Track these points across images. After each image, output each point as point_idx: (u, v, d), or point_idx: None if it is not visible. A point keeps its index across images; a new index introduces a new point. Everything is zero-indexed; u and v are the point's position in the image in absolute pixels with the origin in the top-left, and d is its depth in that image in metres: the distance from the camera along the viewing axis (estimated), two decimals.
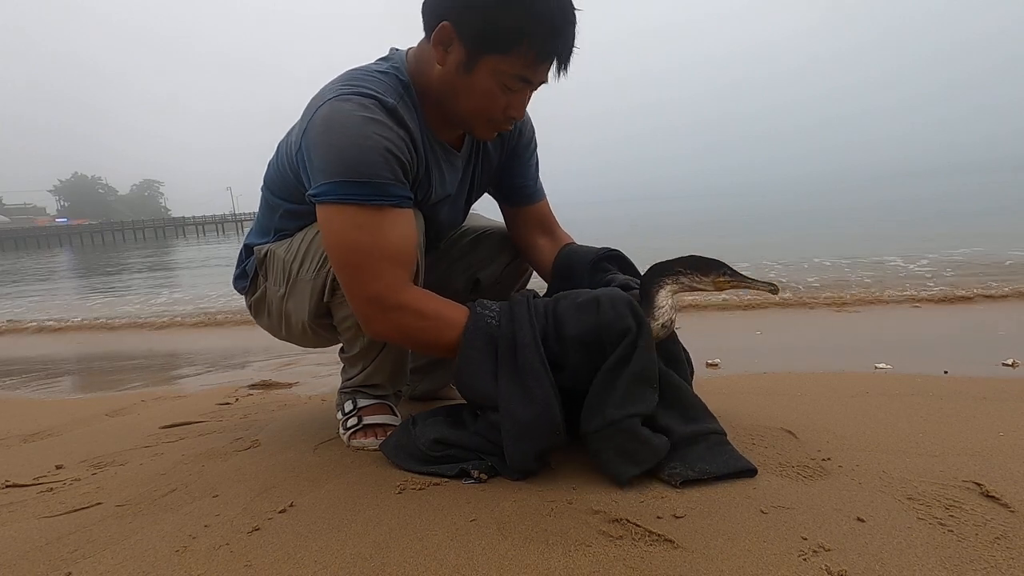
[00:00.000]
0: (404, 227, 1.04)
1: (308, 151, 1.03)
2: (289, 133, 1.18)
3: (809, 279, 4.07)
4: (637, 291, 1.10)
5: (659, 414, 1.02)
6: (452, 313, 1.06)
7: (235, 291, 1.39)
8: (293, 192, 1.16)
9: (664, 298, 1.06)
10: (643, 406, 0.99)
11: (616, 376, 0.99)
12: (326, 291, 1.16)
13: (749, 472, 0.99)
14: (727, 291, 1.11)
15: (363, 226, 1.00)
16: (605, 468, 1.00)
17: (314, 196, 1.02)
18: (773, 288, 1.07)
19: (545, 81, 1.06)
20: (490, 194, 1.39)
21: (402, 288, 1.03)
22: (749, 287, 1.07)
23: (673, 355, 1.11)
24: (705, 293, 1.11)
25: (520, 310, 1.05)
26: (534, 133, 1.36)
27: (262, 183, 1.27)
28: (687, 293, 1.09)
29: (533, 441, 0.99)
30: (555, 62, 1.02)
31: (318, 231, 1.16)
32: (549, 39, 0.98)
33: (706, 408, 1.08)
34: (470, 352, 1.03)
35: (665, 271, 1.08)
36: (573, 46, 1.03)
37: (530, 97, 1.10)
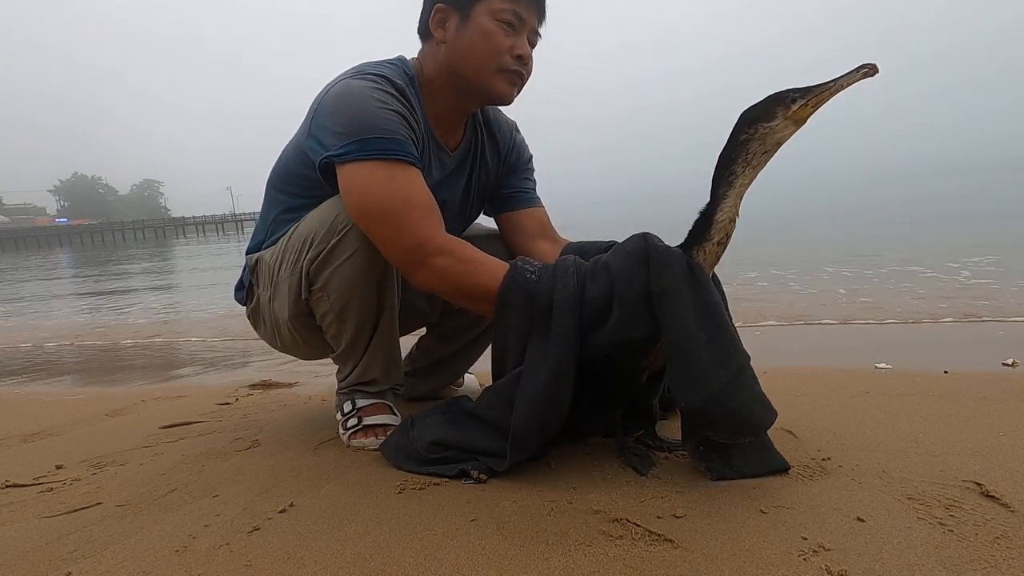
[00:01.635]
0: (425, 185, 1.08)
1: (323, 122, 1.06)
2: (295, 135, 1.22)
3: (840, 291, 3.54)
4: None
5: None
6: (492, 261, 1.06)
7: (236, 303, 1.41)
8: (294, 181, 1.20)
9: (729, 205, 0.92)
10: (746, 351, 0.96)
11: (709, 324, 0.93)
12: (302, 287, 1.16)
13: (782, 470, 0.99)
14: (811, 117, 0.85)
15: (395, 177, 1.03)
16: (741, 425, 0.92)
17: (337, 156, 1.04)
18: (867, 68, 0.82)
19: (535, 29, 1.16)
20: (487, 212, 1.41)
21: (442, 233, 1.05)
22: (838, 90, 0.84)
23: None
24: (793, 134, 0.88)
25: (564, 268, 1.02)
26: (532, 158, 1.42)
27: (265, 187, 1.29)
28: (770, 159, 0.89)
29: (545, 404, 0.97)
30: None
31: (295, 229, 1.18)
32: None
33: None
34: (506, 306, 1.01)
35: (728, 157, 0.90)
36: None
37: (531, 55, 1.17)
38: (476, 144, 1.30)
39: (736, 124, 0.90)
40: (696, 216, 0.96)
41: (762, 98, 0.88)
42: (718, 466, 0.98)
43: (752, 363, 0.97)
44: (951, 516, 0.83)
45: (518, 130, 1.39)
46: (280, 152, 1.26)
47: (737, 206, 0.93)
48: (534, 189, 1.41)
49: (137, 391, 2.12)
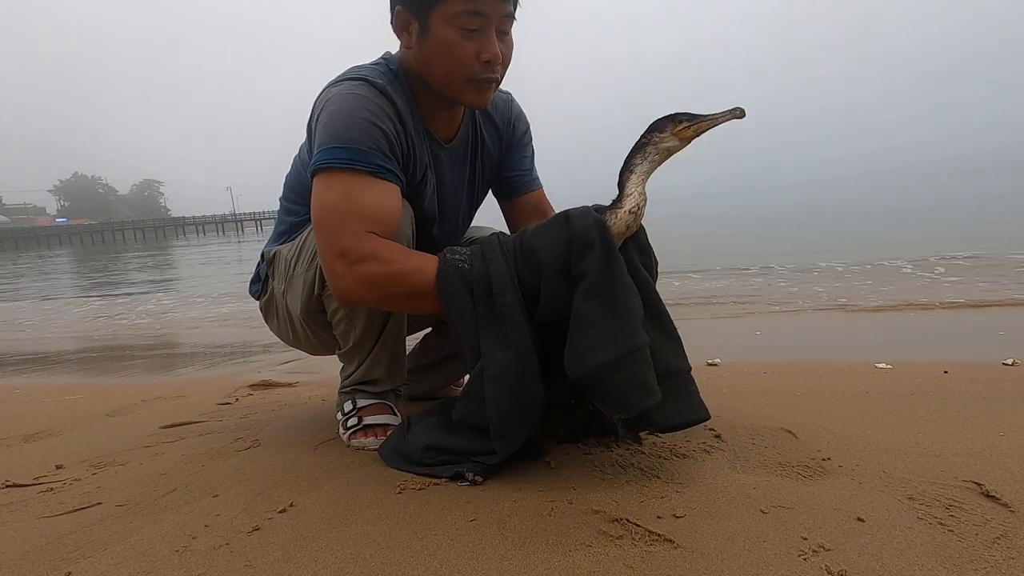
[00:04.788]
0: (380, 193, 1.04)
1: (315, 137, 1.07)
2: (302, 145, 1.24)
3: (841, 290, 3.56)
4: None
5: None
6: (419, 259, 1.03)
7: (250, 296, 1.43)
8: (304, 193, 1.21)
9: (634, 184, 1.03)
10: (644, 336, 0.96)
11: (610, 304, 0.95)
12: (316, 283, 1.17)
13: (701, 420, 1.01)
14: (694, 139, 1.02)
15: (333, 186, 1.02)
16: (616, 403, 0.95)
17: (310, 171, 1.05)
18: (737, 111, 0.99)
19: (506, 14, 1.05)
20: (493, 194, 1.41)
21: (372, 241, 1.00)
22: (713, 124, 1.00)
23: (642, 245, 1.08)
24: (678, 152, 1.05)
25: (491, 248, 1.02)
26: (529, 127, 1.38)
27: (280, 196, 1.33)
28: (662, 164, 1.04)
29: (511, 387, 0.97)
30: None
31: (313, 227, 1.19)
32: None
33: (671, 322, 1.06)
34: (448, 300, 1.00)
35: (630, 154, 1.04)
36: None
37: (507, 41, 1.09)
38: (475, 131, 1.28)
39: (645, 130, 1.05)
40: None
41: (665, 114, 1.04)
42: (633, 421, 1.00)
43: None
44: (951, 516, 0.83)
45: (514, 99, 1.35)
46: (292, 161, 1.29)
47: (642, 191, 1.04)
48: (532, 167, 1.39)
49: (137, 391, 2.11)
